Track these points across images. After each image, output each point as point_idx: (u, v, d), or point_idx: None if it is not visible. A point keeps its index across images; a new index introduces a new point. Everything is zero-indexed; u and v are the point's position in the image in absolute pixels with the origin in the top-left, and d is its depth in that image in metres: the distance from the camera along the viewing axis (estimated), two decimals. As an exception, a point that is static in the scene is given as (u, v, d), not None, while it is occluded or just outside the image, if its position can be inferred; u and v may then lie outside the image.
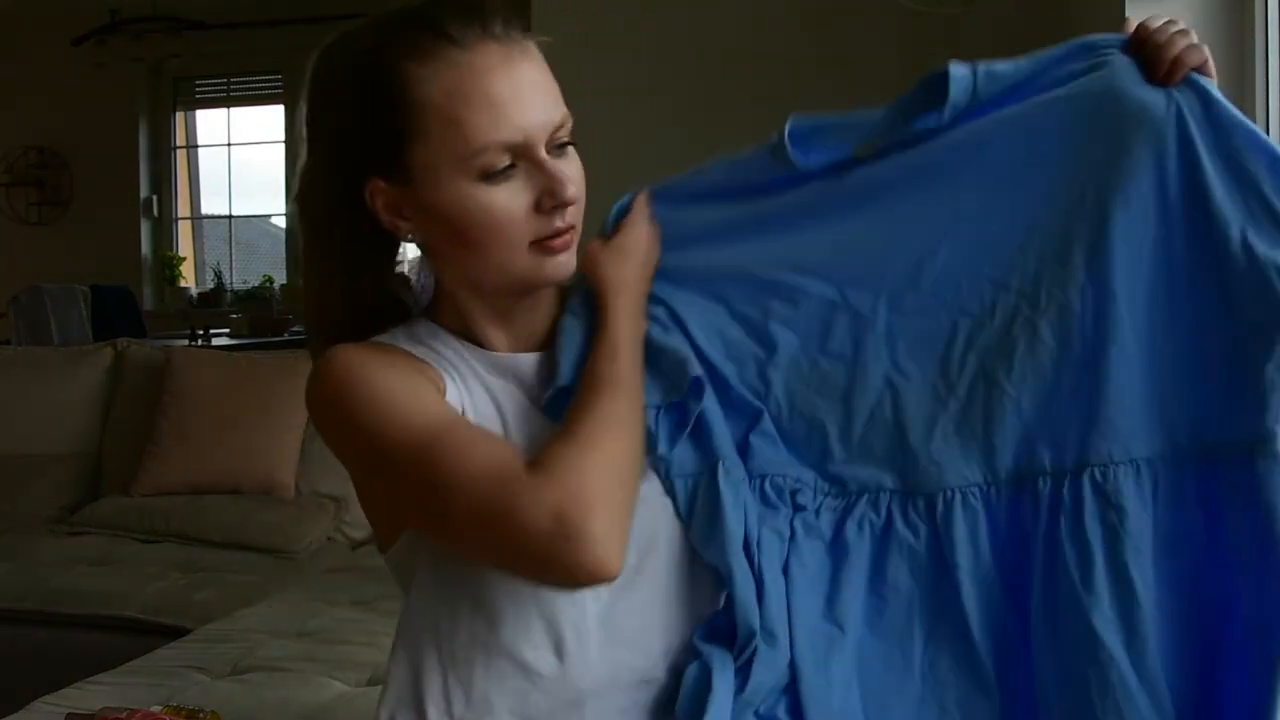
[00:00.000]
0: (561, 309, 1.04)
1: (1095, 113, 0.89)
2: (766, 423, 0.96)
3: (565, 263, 0.97)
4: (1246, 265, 0.84)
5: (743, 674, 0.90)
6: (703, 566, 0.97)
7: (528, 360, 1.02)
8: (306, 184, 1.00)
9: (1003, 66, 0.93)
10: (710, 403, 0.96)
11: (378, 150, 0.94)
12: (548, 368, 1.01)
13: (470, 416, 0.97)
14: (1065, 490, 0.88)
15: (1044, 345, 0.89)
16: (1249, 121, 0.88)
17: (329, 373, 0.95)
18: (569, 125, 0.95)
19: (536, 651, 0.94)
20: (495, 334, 1.02)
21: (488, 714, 0.94)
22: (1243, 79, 1.82)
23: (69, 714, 1.63)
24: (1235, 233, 0.84)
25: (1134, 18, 0.93)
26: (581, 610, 0.94)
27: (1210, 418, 0.87)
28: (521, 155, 0.92)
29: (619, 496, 0.88)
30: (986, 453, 0.91)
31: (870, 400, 0.94)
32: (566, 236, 0.95)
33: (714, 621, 0.95)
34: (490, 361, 1.01)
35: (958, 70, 0.91)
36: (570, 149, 0.97)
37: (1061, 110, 0.91)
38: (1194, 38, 0.91)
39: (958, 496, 0.90)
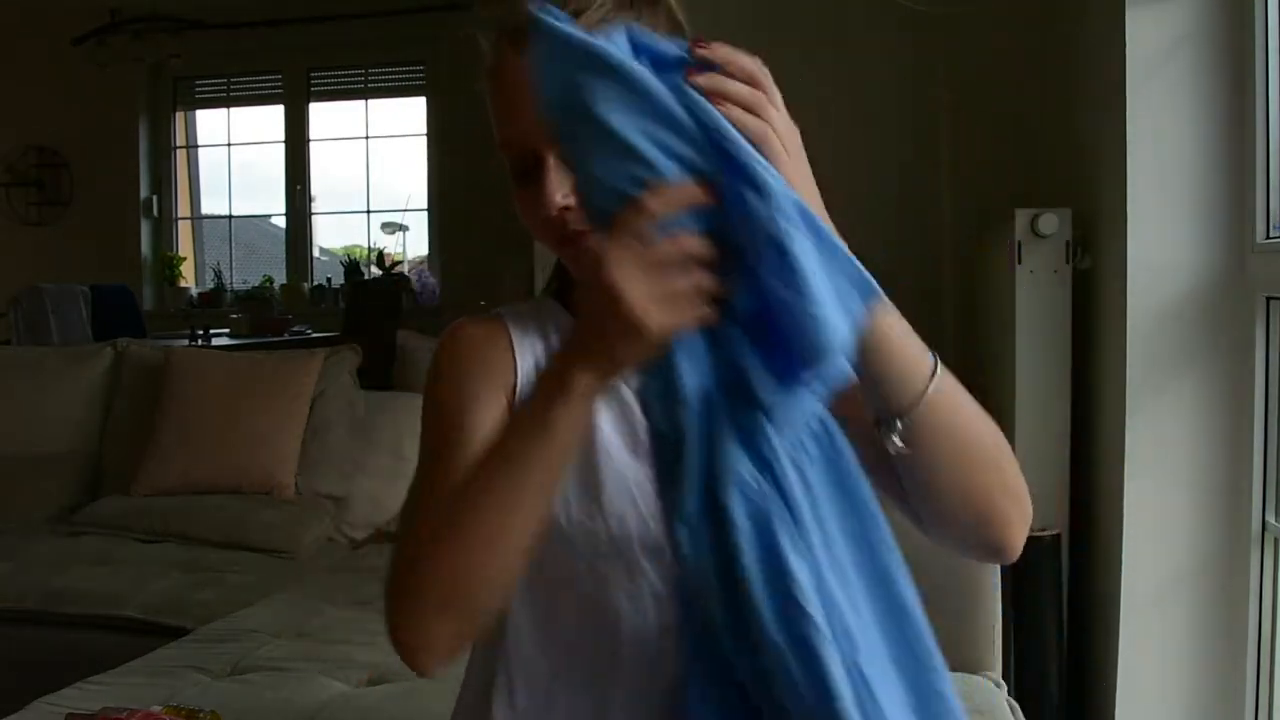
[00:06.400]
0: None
1: None
2: None
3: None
4: None
5: None
6: None
7: None
8: None
9: None
10: None
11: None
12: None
13: None
14: None
15: None
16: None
17: (439, 348, 0.98)
18: None
19: (600, 656, 0.94)
20: None
21: (550, 710, 0.95)
22: (1243, 79, 1.82)
23: (69, 714, 1.63)
24: None
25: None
26: (645, 619, 0.93)
27: None
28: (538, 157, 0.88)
29: (458, 598, 0.83)
30: None
31: None
32: (576, 240, 0.89)
33: None
34: None
35: None
36: None
37: None
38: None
39: None
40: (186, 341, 5.29)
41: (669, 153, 0.78)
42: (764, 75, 0.81)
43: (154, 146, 7.21)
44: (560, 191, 0.88)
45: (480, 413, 0.93)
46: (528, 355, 0.98)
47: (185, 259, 7.27)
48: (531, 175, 0.89)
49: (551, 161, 0.88)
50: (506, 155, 0.91)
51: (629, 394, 0.98)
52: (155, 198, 7.16)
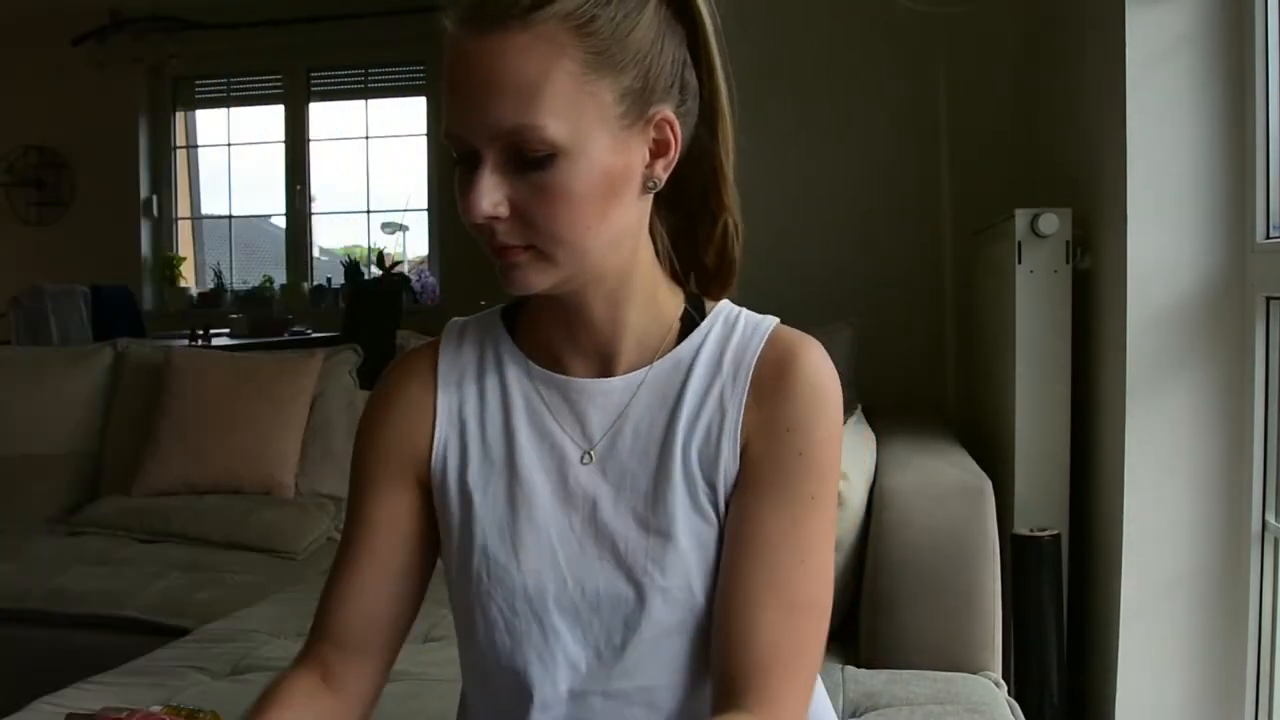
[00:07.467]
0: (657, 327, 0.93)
1: None
2: None
3: (513, 278, 0.84)
4: None
5: None
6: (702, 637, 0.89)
7: (592, 388, 0.92)
8: None
9: None
10: None
11: None
12: (614, 398, 0.92)
13: (473, 456, 0.94)
14: None
15: None
16: None
17: (377, 383, 1.00)
18: (534, 136, 0.79)
19: (511, 707, 0.93)
20: (563, 348, 0.93)
21: None
22: (1243, 79, 1.82)
23: (69, 714, 1.62)
24: None
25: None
26: (555, 687, 0.91)
27: None
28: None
29: None
30: None
31: None
32: (503, 254, 0.83)
33: None
34: (555, 386, 0.93)
35: None
36: (550, 166, 0.80)
37: None
38: None
39: None
40: (186, 342, 5.28)
41: None
42: None
43: (154, 147, 7.20)
44: (489, 199, 0.81)
45: (378, 509, 0.96)
46: (451, 391, 0.95)
47: (185, 259, 7.27)
48: (470, 171, 0.82)
49: (488, 166, 0.81)
50: (450, 145, 0.83)
51: (560, 435, 0.92)
52: (155, 198, 7.16)
